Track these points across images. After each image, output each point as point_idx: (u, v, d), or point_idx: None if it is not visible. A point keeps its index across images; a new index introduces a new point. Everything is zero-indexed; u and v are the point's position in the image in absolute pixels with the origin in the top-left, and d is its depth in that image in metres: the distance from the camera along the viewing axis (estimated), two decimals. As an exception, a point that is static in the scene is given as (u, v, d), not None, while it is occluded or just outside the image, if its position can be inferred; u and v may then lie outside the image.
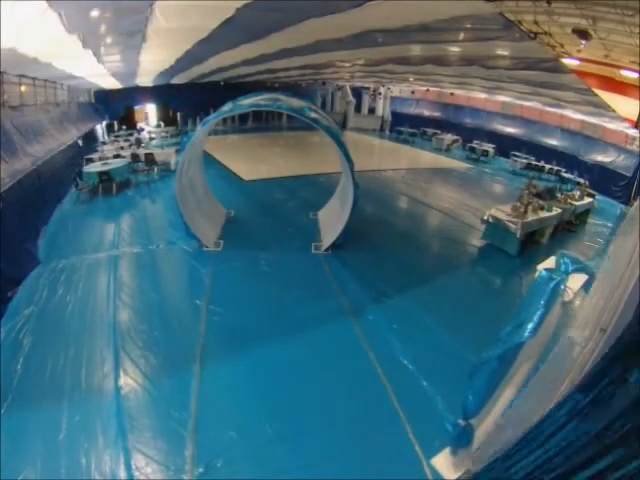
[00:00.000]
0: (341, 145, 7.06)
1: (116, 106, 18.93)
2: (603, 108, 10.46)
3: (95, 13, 4.57)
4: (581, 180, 13.06)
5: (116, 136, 16.43)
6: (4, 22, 3.90)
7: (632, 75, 10.71)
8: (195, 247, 7.21)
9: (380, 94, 24.20)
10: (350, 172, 7.05)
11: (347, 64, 12.56)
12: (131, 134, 16.63)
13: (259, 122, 23.39)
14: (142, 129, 18.56)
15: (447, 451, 3.32)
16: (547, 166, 15.64)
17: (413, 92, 23.79)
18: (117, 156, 11.72)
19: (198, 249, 7.17)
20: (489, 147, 18.41)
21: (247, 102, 7.42)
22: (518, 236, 7.51)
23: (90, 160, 11.27)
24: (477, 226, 8.72)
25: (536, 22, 9.59)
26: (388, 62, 10.76)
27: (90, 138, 14.63)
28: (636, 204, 2.18)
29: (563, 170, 15.20)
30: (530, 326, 2.48)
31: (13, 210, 6.13)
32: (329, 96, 26.49)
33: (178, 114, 21.58)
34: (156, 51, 7.83)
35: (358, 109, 25.47)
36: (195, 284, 6.11)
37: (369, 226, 8.72)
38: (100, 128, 17.12)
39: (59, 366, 4.22)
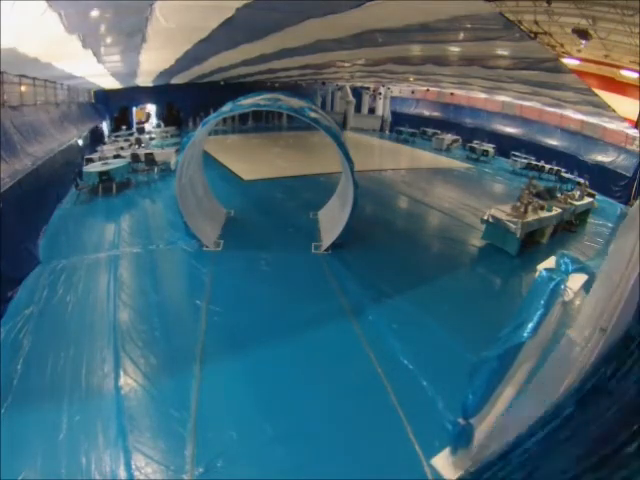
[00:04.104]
0: (341, 145, 7.06)
1: (116, 106, 18.93)
2: (603, 108, 10.46)
3: (95, 13, 4.57)
4: (581, 180, 13.06)
5: (116, 136, 16.44)
6: (4, 22, 3.89)
7: (632, 75, 10.71)
8: (195, 247, 7.21)
9: (380, 94, 24.20)
10: (350, 172, 7.05)
11: (347, 64, 12.55)
12: (131, 134, 16.62)
13: (259, 122, 23.39)
14: (143, 129, 18.52)
15: (447, 451, 3.32)
16: (547, 166, 15.64)
17: (413, 92, 23.79)
18: (117, 156, 11.72)
19: (198, 249, 7.17)
20: (489, 147, 18.40)
21: (247, 102, 7.42)
22: (518, 236, 7.51)
23: (90, 160, 11.27)
24: (477, 226, 8.72)
25: (536, 22, 9.60)
26: (388, 62, 10.76)
27: (95, 138, 14.70)
28: (636, 204, 2.18)
29: (563, 170, 15.20)
30: (530, 326, 2.48)
31: (13, 210, 6.13)
32: (329, 96, 26.47)
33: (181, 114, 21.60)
34: (156, 51, 7.83)
35: (358, 109, 25.45)
36: (195, 284, 6.11)
37: (369, 226, 8.73)
38: (105, 127, 17.19)
39: (59, 366, 4.22)
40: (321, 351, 4.78)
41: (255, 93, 7.93)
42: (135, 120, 20.28)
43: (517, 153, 17.02)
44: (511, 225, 7.59)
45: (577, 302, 2.64)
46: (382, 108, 24.78)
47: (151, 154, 11.98)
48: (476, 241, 8.40)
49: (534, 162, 16.06)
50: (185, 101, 21.00)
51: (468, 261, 7.88)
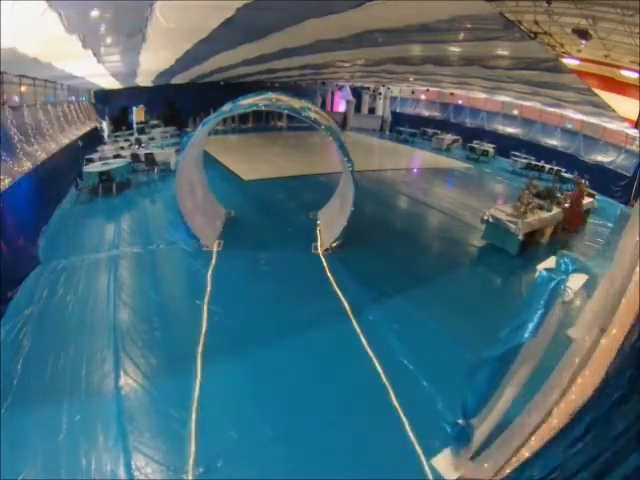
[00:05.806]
0: (341, 145, 7.06)
1: (116, 106, 18.92)
2: (603, 108, 10.46)
3: (95, 13, 4.56)
4: (581, 180, 13.03)
5: (116, 136, 16.43)
6: (4, 22, 3.89)
7: (632, 75, 10.69)
8: (195, 247, 7.21)
9: (380, 94, 24.20)
10: (350, 172, 7.05)
11: (347, 64, 12.56)
12: (131, 134, 16.61)
13: (259, 122, 23.39)
14: (143, 129, 18.50)
15: (447, 451, 3.32)
16: (547, 166, 15.65)
17: (413, 92, 23.78)
18: (117, 156, 11.72)
19: (198, 249, 7.17)
20: (489, 147, 18.41)
21: (247, 102, 7.41)
22: (519, 236, 7.51)
23: (90, 160, 11.27)
24: (477, 226, 8.72)
25: (536, 22, 9.57)
26: (388, 62, 10.76)
27: (95, 138, 14.70)
28: (636, 205, 2.18)
29: (563, 170, 15.20)
30: (530, 326, 2.47)
31: (13, 210, 6.12)
32: (329, 96, 26.48)
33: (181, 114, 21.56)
34: (156, 51, 7.83)
35: (358, 109, 25.46)
36: (195, 284, 6.10)
37: (369, 226, 8.72)
38: (106, 127, 17.19)
39: (59, 366, 4.22)
40: (321, 351, 4.77)
41: (255, 93, 7.92)
42: (135, 120, 20.21)
43: (517, 153, 17.03)
44: (511, 225, 7.59)
45: (577, 302, 2.64)
46: (382, 108, 24.79)
47: (151, 154, 11.97)
48: (476, 241, 8.41)
49: (534, 162, 16.06)
50: (185, 101, 20.97)
51: (468, 261, 7.88)
